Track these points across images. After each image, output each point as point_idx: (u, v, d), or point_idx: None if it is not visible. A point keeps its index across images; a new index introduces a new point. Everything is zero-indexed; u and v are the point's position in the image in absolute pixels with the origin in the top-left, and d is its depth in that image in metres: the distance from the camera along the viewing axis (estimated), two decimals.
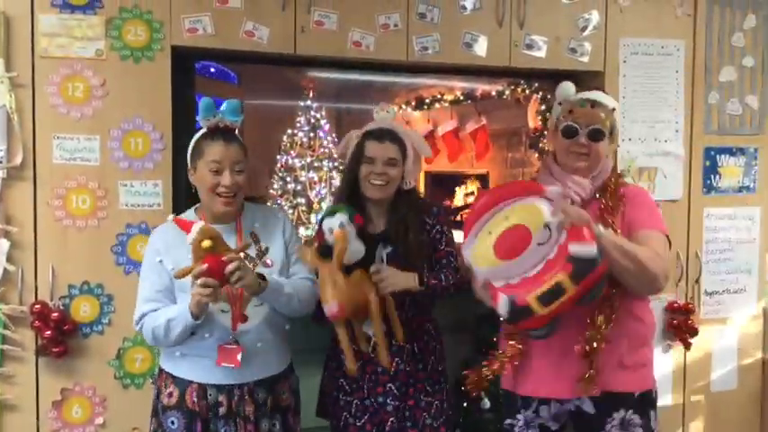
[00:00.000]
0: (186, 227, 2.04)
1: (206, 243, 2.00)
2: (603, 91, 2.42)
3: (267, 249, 2.27)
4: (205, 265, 2.00)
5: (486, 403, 3.28)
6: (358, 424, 2.45)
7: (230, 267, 2.02)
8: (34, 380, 2.60)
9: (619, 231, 2.17)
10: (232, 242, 2.18)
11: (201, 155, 2.18)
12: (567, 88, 2.31)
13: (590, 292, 1.97)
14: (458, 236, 2.37)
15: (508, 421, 2.36)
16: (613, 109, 2.28)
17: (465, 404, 3.33)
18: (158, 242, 2.24)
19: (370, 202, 2.47)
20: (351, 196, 2.45)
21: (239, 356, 2.16)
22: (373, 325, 2.30)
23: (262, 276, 2.14)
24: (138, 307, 2.23)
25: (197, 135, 2.24)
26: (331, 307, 2.16)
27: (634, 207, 2.24)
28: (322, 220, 2.33)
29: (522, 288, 1.97)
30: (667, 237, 2.24)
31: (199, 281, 2.00)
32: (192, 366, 2.21)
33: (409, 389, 2.45)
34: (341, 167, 2.40)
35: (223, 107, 2.22)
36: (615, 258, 2.03)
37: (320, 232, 2.33)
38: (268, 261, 2.26)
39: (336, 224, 2.26)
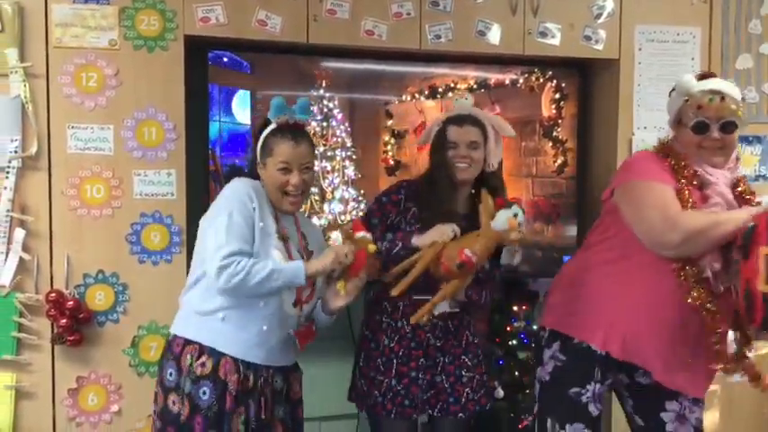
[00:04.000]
0: (361, 228, 2.25)
1: (371, 247, 2.21)
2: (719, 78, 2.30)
3: (312, 252, 2.31)
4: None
5: (500, 392, 3.27)
6: (386, 404, 2.47)
7: (362, 276, 2.20)
8: (50, 368, 2.62)
9: None
10: (291, 233, 2.24)
11: (271, 153, 2.19)
12: (689, 81, 2.21)
13: None
14: None
15: (575, 389, 2.24)
16: (743, 98, 2.22)
17: None
18: (249, 191, 2.19)
19: (454, 185, 2.49)
20: (432, 181, 2.48)
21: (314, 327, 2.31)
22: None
23: None
24: (228, 243, 2.06)
25: (266, 131, 2.21)
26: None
27: None
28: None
29: None
30: None
31: (339, 261, 2.15)
32: (229, 339, 2.14)
33: (449, 366, 2.50)
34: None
35: (295, 105, 2.24)
36: None
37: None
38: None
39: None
